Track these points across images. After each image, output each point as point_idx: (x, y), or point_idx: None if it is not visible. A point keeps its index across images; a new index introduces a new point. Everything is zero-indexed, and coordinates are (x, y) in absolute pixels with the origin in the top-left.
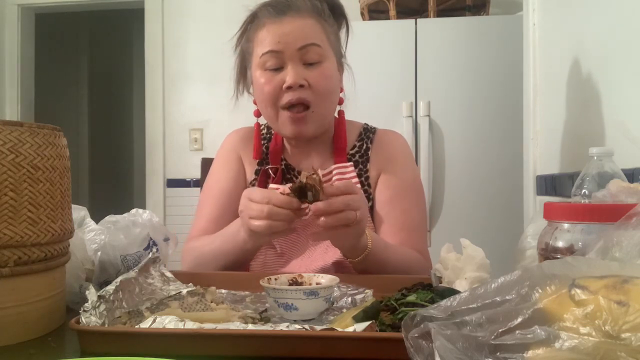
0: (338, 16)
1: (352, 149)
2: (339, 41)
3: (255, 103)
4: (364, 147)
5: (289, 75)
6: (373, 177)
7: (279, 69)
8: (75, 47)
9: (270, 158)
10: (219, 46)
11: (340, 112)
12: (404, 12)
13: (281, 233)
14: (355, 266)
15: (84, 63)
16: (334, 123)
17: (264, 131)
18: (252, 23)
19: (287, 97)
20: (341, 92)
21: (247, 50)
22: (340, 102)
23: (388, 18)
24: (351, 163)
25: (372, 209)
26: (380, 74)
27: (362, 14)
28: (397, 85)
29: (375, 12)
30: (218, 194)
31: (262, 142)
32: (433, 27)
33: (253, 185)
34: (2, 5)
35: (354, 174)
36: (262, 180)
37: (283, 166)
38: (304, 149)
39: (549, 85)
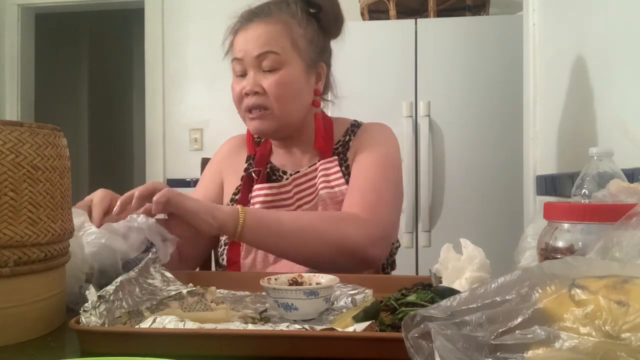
0: (327, 19)
1: (337, 143)
2: (313, 44)
3: None
4: (348, 139)
5: (245, 82)
6: (351, 164)
7: (243, 75)
8: (75, 47)
9: (255, 160)
10: (219, 46)
11: (316, 115)
12: (404, 12)
13: None
14: (246, 243)
15: (84, 63)
16: (316, 123)
17: (256, 136)
18: (234, 28)
19: (245, 102)
20: (317, 95)
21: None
22: (316, 104)
23: (388, 18)
24: (336, 157)
25: None
26: (380, 74)
27: (362, 14)
28: (397, 85)
29: (375, 12)
30: None
31: (254, 144)
32: (433, 27)
33: (239, 190)
34: (2, 5)
35: (338, 168)
36: (246, 183)
37: (268, 169)
38: (287, 149)
39: (549, 85)
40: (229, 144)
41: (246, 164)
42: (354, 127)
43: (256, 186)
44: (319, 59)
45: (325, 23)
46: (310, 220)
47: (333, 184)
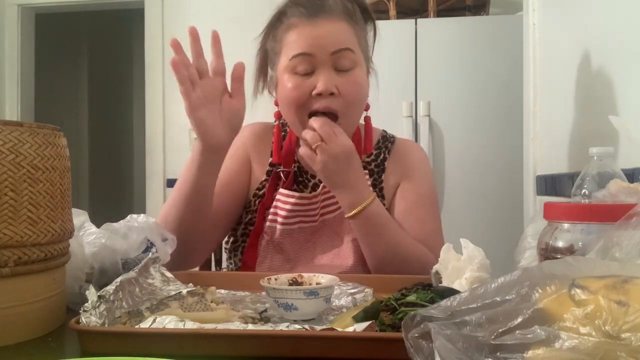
0: (367, 19)
1: (368, 156)
2: (368, 45)
3: (276, 104)
4: (381, 156)
5: (321, 82)
6: (389, 188)
7: (308, 73)
8: (75, 47)
9: (283, 155)
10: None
11: (367, 119)
12: (404, 12)
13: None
14: (355, 226)
15: (84, 63)
16: (357, 129)
17: (281, 132)
18: (280, 22)
19: (315, 105)
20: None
21: (273, 50)
22: (367, 108)
23: (388, 18)
24: (366, 171)
25: None
26: (380, 74)
27: None
28: (397, 85)
29: (375, 12)
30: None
31: (281, 139)
32: (433, 27)
33: (264, 186)
34: (2, 5)
35: (369, 182)
36: (273, 182)
37: (295, 168)
38: None
39: (549, 85)
40: (254, 130)
41: (269, 165)
42: (386, 140)
43: (283, 191)
44: (369, 60)
45: (368, 24)
46: (405, 240)
47: None
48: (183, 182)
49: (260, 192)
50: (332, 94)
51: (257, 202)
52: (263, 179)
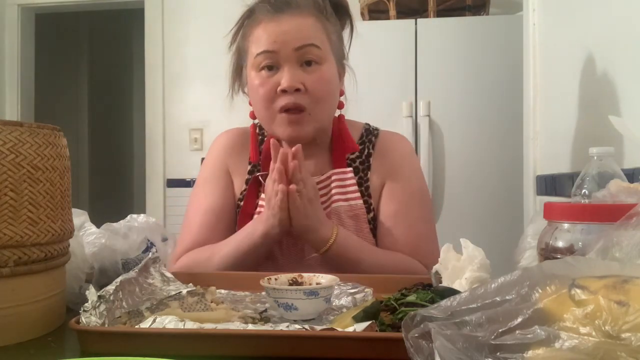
0: (342, 15)
1: (352, 153)
2: (341, 41)
3: (250, 104)
4: (365, 152)
5: (284, 78)
6: (375, 187)
7: (274, 69)
8: (75, 47)
9: (262, 162)
10: (219, 46)
11: (341, 117)
12: (404, 12)
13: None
14: (331, 261)
15: (84, 63)
16: (333, 127)
17: (257, 131)
18: (248, 19)
19: (282, 101)
20: (341, 95)
21: (243, 48)
22: (340, 106)
23: (388, 18)
24: (350, 169)
25: (374, 220)
26: (380, 74)
27: (362, 14)
28: (397, 85)
29: (375, 12)
30: (204, 212)
31: (258, 140)
32: (433, 27)
33: (243, 196)
34: (2, 5)
35: (354, 180)
36: (253, 189)
37: None
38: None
39: (549, 85)
40: (229, 138)
41: (250, 166)
42: (370, 134)
43: (263, 195)
44: (343, 56)
45: (343, 21)
46: (387, 261)
47: (348, 196)
48: (241, 244)
49: (242, 203)
50: (297, 90)
51: (239, 211)
52: (243, 188)
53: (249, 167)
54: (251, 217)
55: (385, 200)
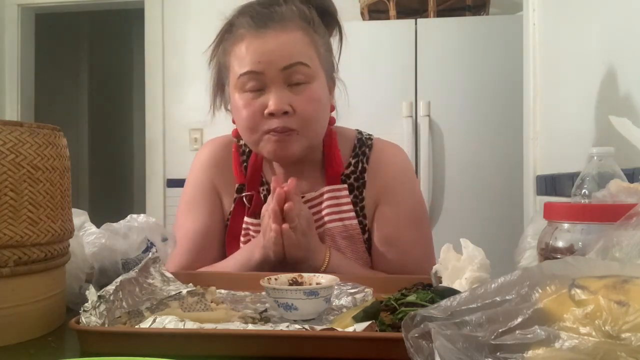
0: (329, 22)
1: (347, 167)
2: (331, 53)
3: (234, 122)
4: (360, 167)
5: (272, 101)
6: (369, 207)
7: (259, 90)
8: (75, 47)
9: (248, 182)
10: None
11: (332, 133)
12: (404, 12)
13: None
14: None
15: (84, 63)
16: (324, 143)
17: (240, 150)
18: (228, 33)
19: (269, 125)
20: (332, 111)
21: (224, 64)
22: (332, 121)
23: (388, 18)
24: (345, 186)
25: (370, 240)
26: (380, 74)
27: (362, 14)
28: (397, 85)
29: (375, 12)
30: (192, 235)
31: (242, 160)
32: (433, 27)
33: (228, 219)
34: (2, 5)
35: (348, 199)
36: (239, 211)
37: (265, 191)
38: (291, 170)
39: (549, 85)
40: (214, 151)
41: (237, 185)
42: (363, 145)
43: (248, 220)
44: (333, 69)
45: (331, 29)
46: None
47: (343, 216)
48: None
49: (229, 223)
50: (286, 112)
51: (226, 231)
52: (232, 208)
53: (237, 186)
54: (238, 238)
55: (377, 225)
